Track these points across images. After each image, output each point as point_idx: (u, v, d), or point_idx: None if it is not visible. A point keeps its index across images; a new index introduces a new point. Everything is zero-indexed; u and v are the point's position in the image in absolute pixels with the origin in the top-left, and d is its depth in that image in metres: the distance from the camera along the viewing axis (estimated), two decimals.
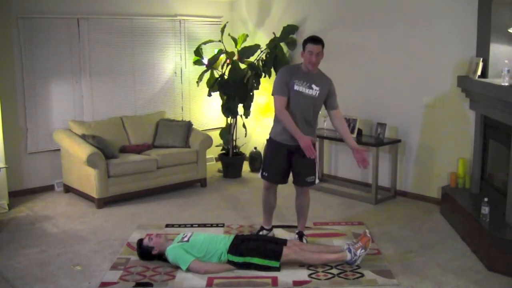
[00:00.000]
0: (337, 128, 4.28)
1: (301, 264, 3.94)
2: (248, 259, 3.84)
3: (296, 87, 4.08)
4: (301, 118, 4.12)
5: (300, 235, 4.38)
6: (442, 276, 3.80)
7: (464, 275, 3.83)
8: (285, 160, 4.22)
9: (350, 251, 3.92)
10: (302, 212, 4.42)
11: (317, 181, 4.33)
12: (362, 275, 3.78)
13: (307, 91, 4.08)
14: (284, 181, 4.34)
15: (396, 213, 5.28)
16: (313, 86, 4.09)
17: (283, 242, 4.05)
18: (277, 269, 3.84)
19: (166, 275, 3.80)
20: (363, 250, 3.91)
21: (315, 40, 4.07)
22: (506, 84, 4.14)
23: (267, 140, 4.36)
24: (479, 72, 4.66)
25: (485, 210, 4.18)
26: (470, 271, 3.90)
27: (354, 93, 6.13)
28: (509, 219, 4.08)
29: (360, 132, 5.84)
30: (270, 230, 4.56)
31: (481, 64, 4.66)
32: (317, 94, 4.09)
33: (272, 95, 4.18)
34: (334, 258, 3.96)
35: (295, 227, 4.53)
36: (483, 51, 4.74)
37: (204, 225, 4.90)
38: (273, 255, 3.85)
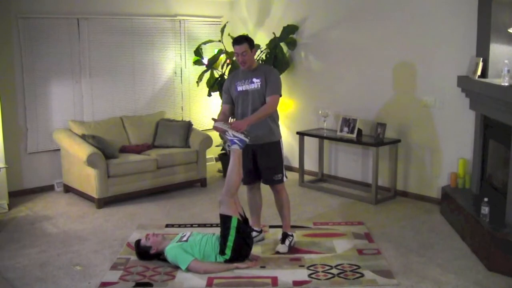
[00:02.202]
0: None
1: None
2: (229, 246, 3.85)
3: (239, 88, 4.20)
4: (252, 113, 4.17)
5: (284, 236, 4.32)
6: (442, 276, 3.80)
7: (464, 275, 3.83)
8: (250, 160, 4.26)
9: (232, 144, 3.98)
10: (282, 211, 4.40)
11: (285, 179, 4.34)
12: (362, 275, 3.78)
13: (250, 86, 4.17)
14: (252, 181, 4.38)
15: (396, 213, 5.28)
16: (254, 79, 4.17)
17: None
18: (241, 221, 3.91)
19: (166, 275, 3.80)
20: (227, 129, 3.98)
21: (237, 40, 4.14)
22: (506, 84, 4.14)
23: None
24: (479, 72, 4.66)
25: (485, 210, 4.18)
26: (470, 271, 3.90)
27: (354, 93, 6.13)
28: (509, 219, 4.08)
29: (360, 132, 5.83)
30: (260, 232, 4.53)
31: (481, 64, 4.66)
32: (259, 86, 4.16)
33: None
34: (233, 158, 4.00)
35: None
36: (483, 51, 4.74)
37: (204, 225, 4.91)
38: (225, 223, 3.90)
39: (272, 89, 4.14)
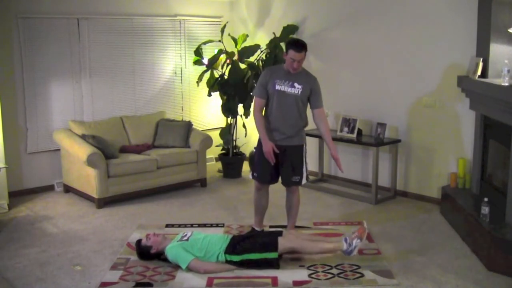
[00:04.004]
0: (318, 127, 4.33)
1: (297, 255, 3.96)
2: (246, 256, 3.84)
3: (278, 87, 4.15)
4: (285, 117, 4.18)
5: None
6: (442, 276, 3.80)
7: (464, 275, 3.83)
8: (273, 160, 4.25)
9: (346, 240, 3.92)
10: (291, 212, 4.44)
11: (304, 181, 4.35)
12: (362, 275, 3.78)
13: (289, 89, 4.15)
14: (273, 181, 4.39)
15: (396, 213, 5.28)
16: (295, 84, 4.15)
17: (278, 233, 4.07)
18: (277, 261, 3.85)
19: (166, 275, 3.80)
20: (358, 240, 3.91)
21: (298, 47, 4.06)
22: (506, 84, 4.14)
23: (257, 142, 4.38)
24: (479, 72, 4.66)
25: (485, 210, 4.18)
26: (470, 271, 3.90)
27: (354, 93, 6.13)
28: (509, 219, 4.08)
29: (360, 132, 5.84)
30: (261, 232, 4.55)
31: (481, 64, 4.66)
32: (299, 92, 4.15)
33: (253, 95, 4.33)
34: (330, 247, 3.98)
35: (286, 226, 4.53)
36: (483, 51, 4.74)
37: (204, 225, 4.90)
38: (269, 247, 3.86)
39: (319, 102, 4.26)
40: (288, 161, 4.25)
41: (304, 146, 4.35)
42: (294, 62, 4.07)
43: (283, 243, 3.89)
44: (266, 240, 3.94)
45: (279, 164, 4.27)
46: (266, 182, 4.39)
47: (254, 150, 4.51)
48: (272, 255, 3.84)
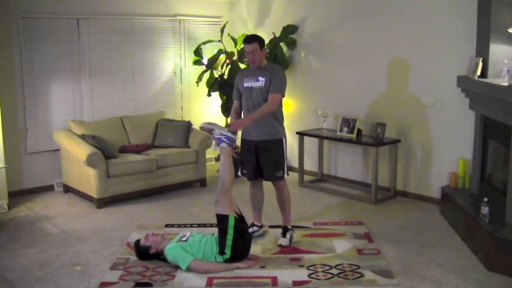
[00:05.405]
0: None
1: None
2: (227, 246, 3.85)
3: (245, 84, 4.34)
4: (253, 111, 4.28)
5: (285, 230, 4.41)
6: (442, 276, 3.80)
7: (464, 275, 3.83)
8: (253, 156, 4.36)
9: (220, 142, 4.02)
10: (283, 207, 4.49)
11: (285, 175, 4.42)
12: (362, 275, 3.78)
13: (256, 84, 4.29)
14: (255, 177, 4.48)
15: (396, 213, 5.28)
16: (260, 78, 4.29)
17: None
18: (240, 221, 3.91)
19: (166, 275, 3.80)
20: (214, 130, 4.03)
21: (248, 40, 4.28)
22: (506, 84, 4.14)
23: (240, 141, 4.53)
24: (479, 72, 4.66)
25: (485, 210, 4.18)
26: (470, 271, 3.90)
27: (354, 93, 6.13)
28: (509, 219, 4.08)
29: (360, 132, 5.83)
30: (261, 227, 4.62)
31: (481, 64, 4.66)
32: (263, 84, 4.27)
33: None
34: (223, 157, 4.05)
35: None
36: (483, 51, 4.74)
37: (204, 225, 4.90)
38: (221, 220, 3.89)
39: (274, 88, 4.25)
40: (266, 156, 4.33)
41: (284, 141, 4.39)
42: (249, 54, 4.26)
43: (219, 207, 3.92)
44: (217, 222, 3.94)
45: (259, 159, 4.37)
46: (252, 179, 4.50)
47: None
48: (231, 221, 3.86)
